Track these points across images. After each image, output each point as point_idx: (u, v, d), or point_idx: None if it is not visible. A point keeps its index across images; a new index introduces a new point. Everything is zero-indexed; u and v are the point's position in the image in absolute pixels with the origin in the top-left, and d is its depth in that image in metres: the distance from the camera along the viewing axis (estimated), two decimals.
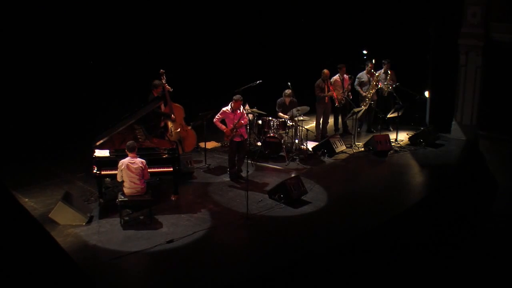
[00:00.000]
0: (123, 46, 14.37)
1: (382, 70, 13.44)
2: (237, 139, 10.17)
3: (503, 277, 8.45)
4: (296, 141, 12.07)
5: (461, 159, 11.98)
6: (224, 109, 10.31)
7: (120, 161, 8.50)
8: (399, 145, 12.71)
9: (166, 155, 9.32)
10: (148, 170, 8.67)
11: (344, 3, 16.16)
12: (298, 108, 11.62)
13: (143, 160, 8.55)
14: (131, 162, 8.44)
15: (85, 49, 13.86)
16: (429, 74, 13.92)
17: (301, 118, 11.85)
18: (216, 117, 10.35)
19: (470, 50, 12.79)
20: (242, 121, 10.32)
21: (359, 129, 13.35)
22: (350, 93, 13.08)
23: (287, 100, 11.89)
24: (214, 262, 7.54)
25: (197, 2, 15.50)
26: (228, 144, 10.75)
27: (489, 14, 12.55)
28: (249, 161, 9.82)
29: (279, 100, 12.03)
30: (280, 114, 11.96)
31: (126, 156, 8.57)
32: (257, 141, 12.11)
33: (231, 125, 10.22)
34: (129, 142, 8.60)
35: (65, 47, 13.49)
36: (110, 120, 9.59)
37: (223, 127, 10.34)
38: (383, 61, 13.45)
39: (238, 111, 10.23)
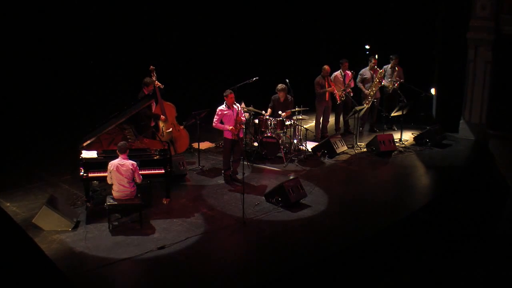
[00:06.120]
0: (111, 41, 14.38)
1: (389, 66, 13.48)
2: (234, 137, 10.13)
3: None
4: (295, 141, 12.10)
5: (470, 160, 12.02)
6: (219, 108, 10.25)
7: (110, 163, 8.53)
8: (403, 145, 12.76)
9: (157, 156, 9.33)
10: (139, 172, 8.69)
11: None
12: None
13: (133, 162, 8.57)
14: (120, 164, 8.46)
15: (70, 46, 13.86)
16: (436, 70, 13.97)
17: (300, 117, 11.88)
18: (214, 120, 10.26)
19: (479, 45, 12.82)
20: (242, 118, 10.32)
21: (361, 128, 13.40)
22: (350, 91, 13.11)
23: (281, 95, 11.81)
24: (208, 269, 7.56)
25: None
26: (223, 144, 10.76)
27: (500, 6, 12.59)
28: (245, 163, 9.84)
29: (273, 96, 12.01)
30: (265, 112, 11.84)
31: (115, 157, 8.60)
32: (254, 141, 12.13)
33: (232, 123, 10.20)
34: (121, 143, 8.64)
35: (50, 45, 13.50)
36: (98, 120, 9.60)
37: (226, 126, 10.22)
38: (391, 56, 13.48)
39: (235, 107, 10.22)
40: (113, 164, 8.49)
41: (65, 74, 13.84)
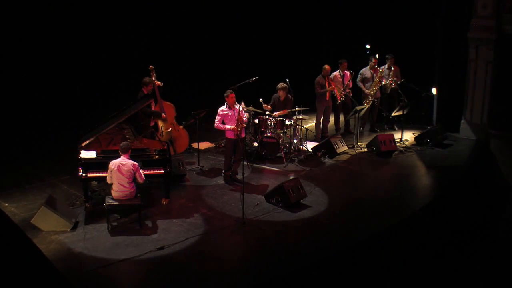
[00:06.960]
0: (111, 41, 14.36)
1: (386, 66, 13.48)
2: (235, 136, 10.12)
3: None
4: (295, 141, 12.10)
5: (471, 160, 12.01)
6: (220, 109, 10.25)
7: (111, 162, 8.55)
8: (404, 145, 12.76)
9: (157, 156, 9.34)
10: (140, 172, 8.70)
11: None
12: None
13: (134, 163, 8.58)
14: (122, 164, 8.48)
15: (70, 45, 13.84)
16: (437, 69, 13.96)
17: (300, 116, 11.88)
18: (216, 121, 10.25)
19: (480, 44, 12.82)
20: (244, 118, 10.31)
21: (361, 128, 13.40)
22: (350, 91, 13.12)
23: (282, 94, 11.81)
24: (208, 270, 7.55)
25: None
26: (224, 144, 10.73)
27: (501, 5, 12.59)
28: (245, 163, 9.83)
29: (274, 95, 12.01)
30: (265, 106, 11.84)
31: (114, 157, 8.61)
32: (254, 141, 12.13)
33: (234, 123, 10.19)
34: (124, 143, 8.69)
35: (49, 45, 13.48)
36: (96, 119, 9.60)
37: (228, 126, 10.21)
38: (387, 56, 13.49)
39: (235, 107, 10.22)
40: (114, 163, 8.50)
41: (65, 73, 13.81)
